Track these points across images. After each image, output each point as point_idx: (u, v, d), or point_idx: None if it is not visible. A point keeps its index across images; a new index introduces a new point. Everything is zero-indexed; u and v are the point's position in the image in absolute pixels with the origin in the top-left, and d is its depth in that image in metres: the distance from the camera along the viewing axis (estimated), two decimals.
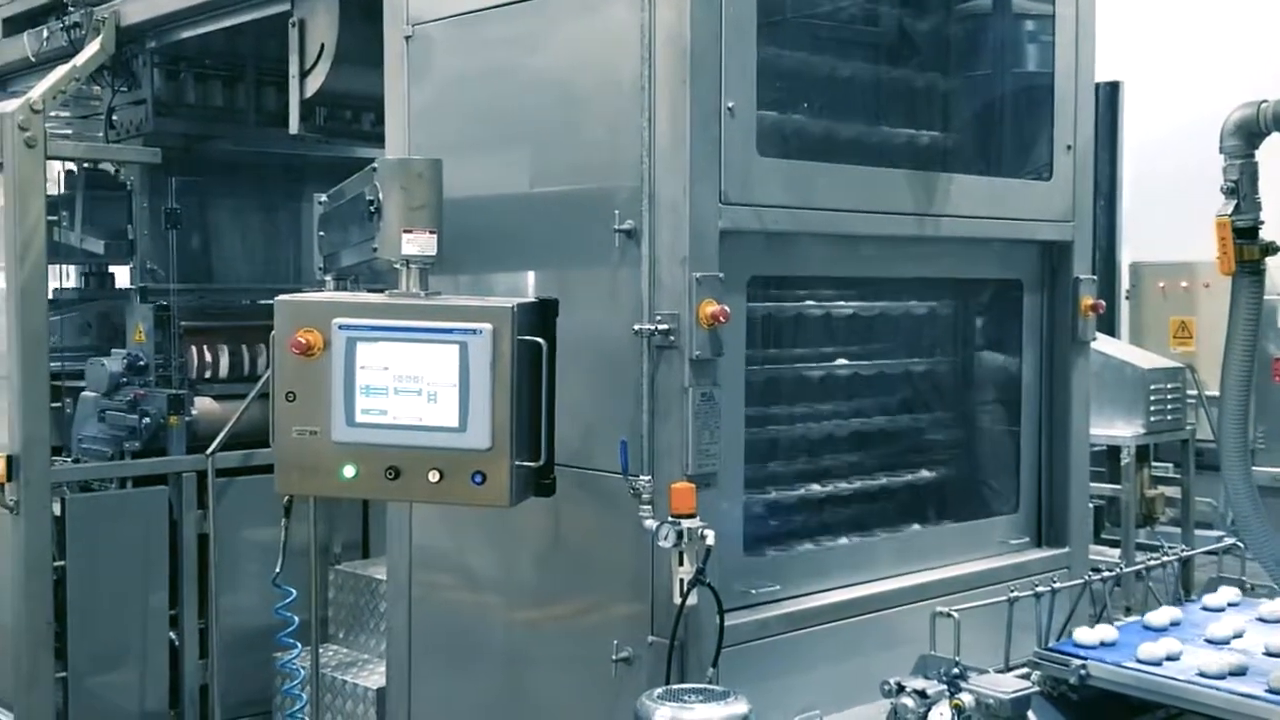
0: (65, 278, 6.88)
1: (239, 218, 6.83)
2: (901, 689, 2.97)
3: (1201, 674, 3.09)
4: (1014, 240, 4.37)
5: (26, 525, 5.23)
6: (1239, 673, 3.08)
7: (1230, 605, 3.69)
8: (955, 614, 3.09)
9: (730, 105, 3.45)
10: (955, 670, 2.98)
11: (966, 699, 2.91)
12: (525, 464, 3.32)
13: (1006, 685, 2.99)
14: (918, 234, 4.01)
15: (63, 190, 6.56)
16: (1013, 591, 3.35)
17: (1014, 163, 4.57)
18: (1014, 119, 4.61)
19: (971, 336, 4.68)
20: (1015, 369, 4.48)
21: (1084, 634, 3.33)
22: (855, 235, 3.91)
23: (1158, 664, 3.17)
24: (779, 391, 4.13)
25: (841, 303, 4.27)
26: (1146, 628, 3.49)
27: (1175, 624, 3.50)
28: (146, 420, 5.65)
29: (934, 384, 4.62)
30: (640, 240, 3.43)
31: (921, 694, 2.93)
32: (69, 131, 6.88)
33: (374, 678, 5.01)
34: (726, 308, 3.38)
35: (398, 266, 3.51)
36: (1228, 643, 3.33)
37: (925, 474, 4.47)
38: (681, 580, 3.29)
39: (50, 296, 5.50)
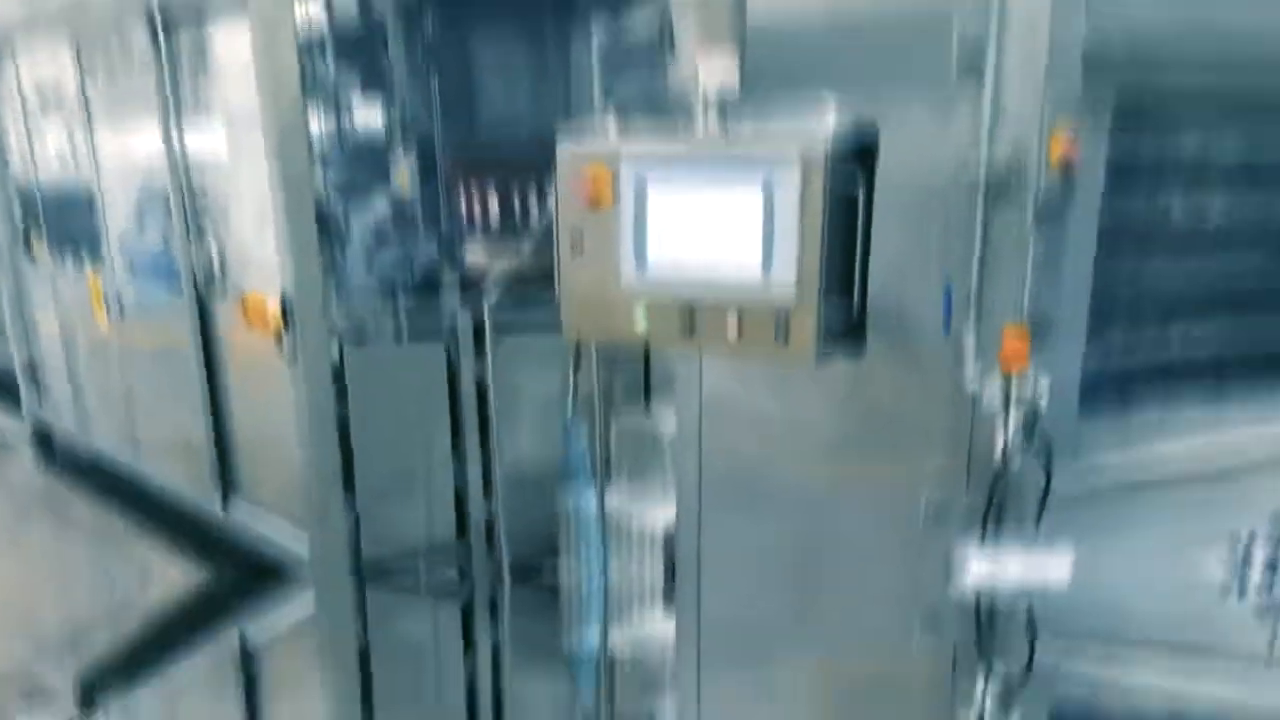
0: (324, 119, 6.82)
1: (503, 52, 6.52)
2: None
3: None
4: None
5: (306, 377, 5.27)
6: None
7: None
8: None
9: None
10: None
11: None
12: (834, 319, 2.93)
13: None
14: None
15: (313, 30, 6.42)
16: None
17: None
18: None
19: None
20: None
21: None
22: (1247, 60, 3.25)
23: None
24: (1133, 243, 3.56)
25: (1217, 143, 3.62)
26: None
27: None
28: (417, 267, 5.56)
29: None
30: (984, 63, 2.92)
31: None
32: None
33: (661, 520, 4.86)
34: (1081, 143, 2.86)
35: (693, 101, 3.13)
36: None
37: None
38: (1006, 436, 2.92)
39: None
